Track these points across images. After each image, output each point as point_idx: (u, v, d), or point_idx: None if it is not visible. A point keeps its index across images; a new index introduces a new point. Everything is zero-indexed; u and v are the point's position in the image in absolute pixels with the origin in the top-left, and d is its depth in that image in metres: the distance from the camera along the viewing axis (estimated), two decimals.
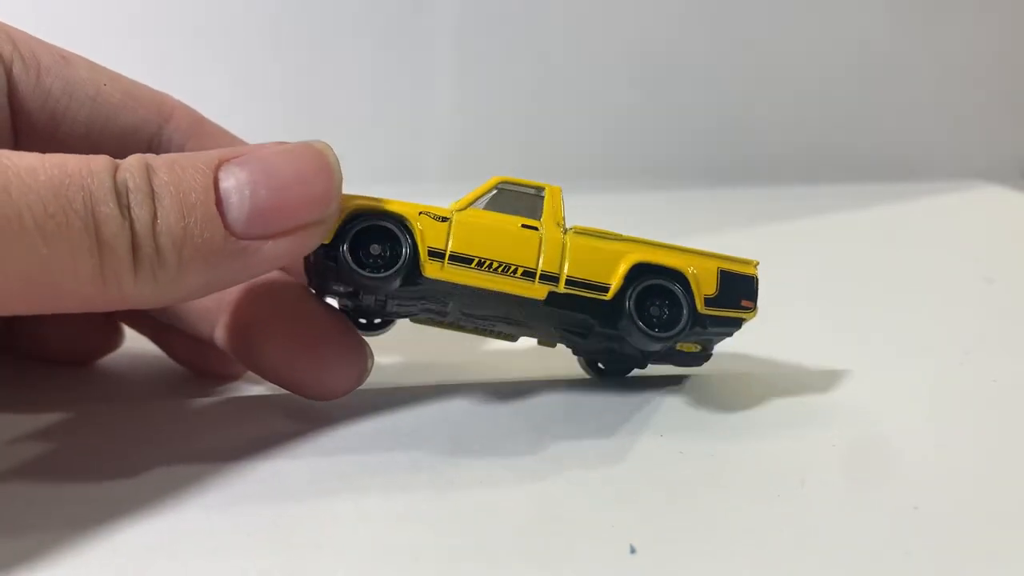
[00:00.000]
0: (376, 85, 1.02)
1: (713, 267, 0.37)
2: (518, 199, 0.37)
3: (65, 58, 0.37)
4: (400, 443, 0.36)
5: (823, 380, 0.42)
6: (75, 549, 0.28)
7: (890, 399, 0.40)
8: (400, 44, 1.02)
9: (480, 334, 0.40)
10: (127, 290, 0.29)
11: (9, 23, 0.37)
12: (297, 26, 1.00)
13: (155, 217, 0.29)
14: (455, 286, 0.35)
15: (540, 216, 0.36)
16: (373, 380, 0.43)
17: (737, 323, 0.37)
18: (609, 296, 0.36)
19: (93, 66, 0.38)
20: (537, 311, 0.36)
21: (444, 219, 0.35)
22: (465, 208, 0.36)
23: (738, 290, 0.37)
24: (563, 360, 0.41)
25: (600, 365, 0.41)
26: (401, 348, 0.46)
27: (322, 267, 0.36)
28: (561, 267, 0.36)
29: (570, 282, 0.36)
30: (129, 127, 0.38)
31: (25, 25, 0.38)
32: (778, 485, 0.32)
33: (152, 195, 0.30)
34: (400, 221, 0.35)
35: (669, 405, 0.38)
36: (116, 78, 0.39)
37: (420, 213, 0.35)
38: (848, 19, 1.05)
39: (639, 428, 0.36)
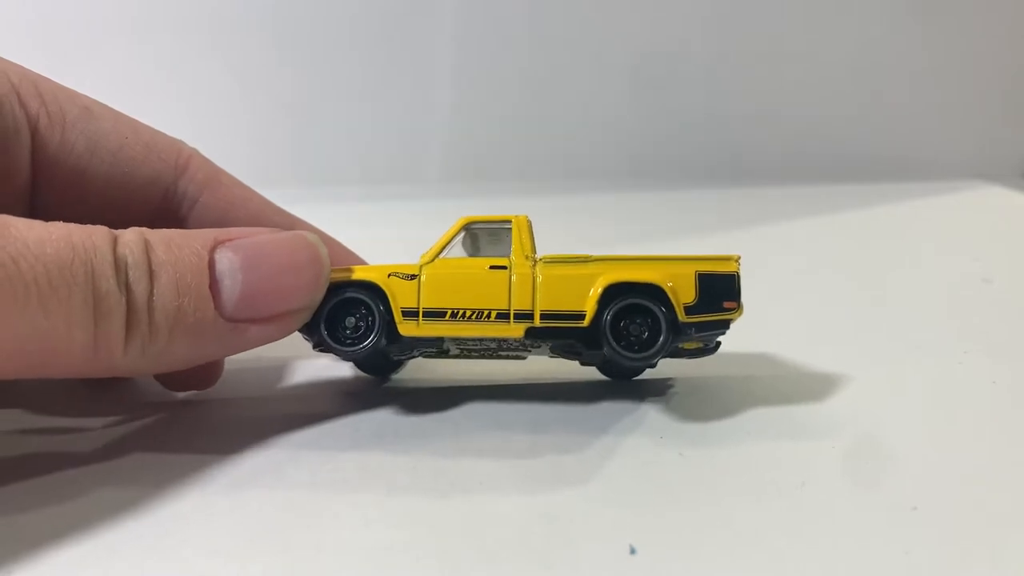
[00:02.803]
0: (376, 85, 1.02)
1: (690, 271, 0.36)
2: (487, 237, 0.38)
3: (88, 109, 0.37)
4: (401, 444, 0.36)
5: (823, 380, 0.42)
6: (75, 550, 0.28)
7: (890, 399, 0.40)
8: (400, 44, 1.02)
9: (489, 358, 0.41)
10: (116, 360, 0.30)
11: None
12: (298, 27, 1.00)
13: (151, 294, 0.30)
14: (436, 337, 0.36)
15: (509, 251, 0.36)
16: (374, 382, 0.43)
17: (724, 325, 0.36)
18: (586, 323, 0.36)
19: (116, 116, 0.38)
20: (524, 342, 0.37)
21: (413, 277, 0.36)
22: (434, 259, 0.37)
23: (719, 292, 0.36)
24: (563, 362, 0.41)
25: (606, 373, 0.41)
26: None
27: (307, 334, 0.37)
28: (534, 303, 0.36)
29: (545, 316, 0.36)
30: (147, 180, 0.39)
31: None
32: (778, 486, 0.32)
33: (150, 272, 0.31)
34: (371, 288, 0.36)
35: (669, 407, 0.38)
36: (137, 129, 0.39)
37: (389, 275, 0.36)
38: (848, 19, 1.05)
39: (639, 430, 0.36)
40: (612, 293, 0.35)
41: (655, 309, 0.35)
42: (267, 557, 0.28)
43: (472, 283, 0.36)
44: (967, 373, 0.43)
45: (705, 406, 0.38)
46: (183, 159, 0.40)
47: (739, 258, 0.36)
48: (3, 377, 0.28)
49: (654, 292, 0.35)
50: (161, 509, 0.31)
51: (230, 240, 0.33)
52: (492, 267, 0.36)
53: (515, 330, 0.36)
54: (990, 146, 1.09)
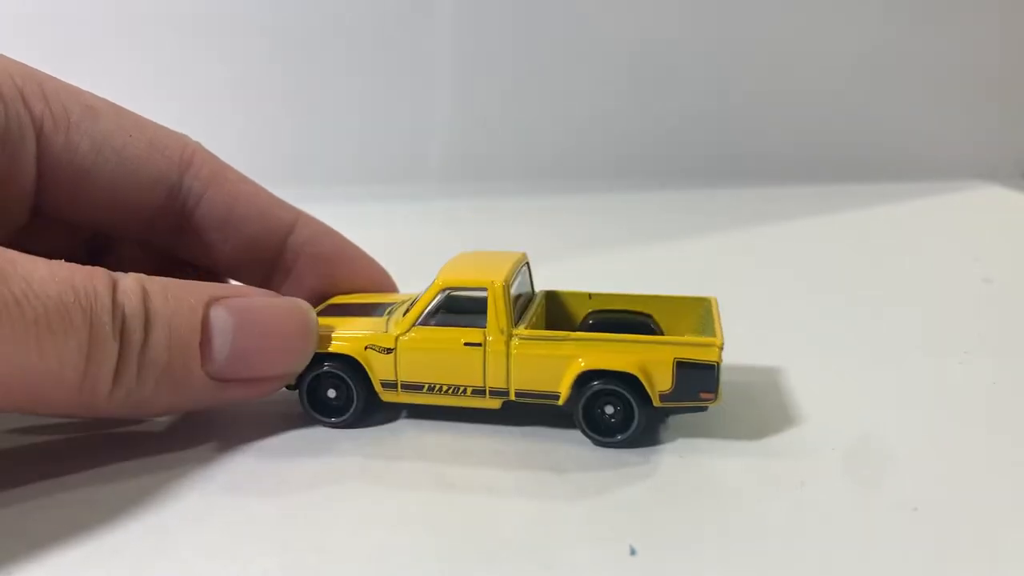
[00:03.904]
0: (376, 85, 1.02)
1: (669, 358, 0.34)
2: (463, 304, 0.37)
3: (92, 108, 0.37)
4: (401, 445, 0.36)
5: (822, 380, 0.42)
6: (76, 551, 0.28)
7: (890, 399, 0.40)
8: (400, 44, 1.01)
9: None
10: (99, 403, 0.30)
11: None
12: (298, 26, 1.00)
13: (144, 344, 0.31)
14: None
15: (485, 323, 0.36)
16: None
17: (701, 408, 0.35)
18: (561, 403, 0.35)
19: (119, 113, 0.38)
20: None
21: (389, 351, 0.36)
22: (409, 329, 0.36)
23: (697, 382, 0.34)
24: None
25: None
26: None
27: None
28: (508, 381, 0.36)
29: (520, 393, 0.36)
30: (151, 178, 0.38)
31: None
32: (778, 486, 0.32)
33: (145, 323, 0.31)
34: (348, 361, 0.37)
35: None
36: (141, 126, 0.39)
37: (366, 348, 0.36)
38: (848, 19, 1.05)
39: (647, 433, 0.36)
40: (584, 379, 0.35)
41: (628, 397, 0.34)
42: (267, 557, 0.28)
43: (446, 361, 0.35)
44: (967, 373, 0.43)
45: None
46: (187, 155, 0.40)
47: (721, 344, 0.35)
48: None
49: (628, 379, 0.34)
50: (161, 509, 0.31)
51: (226, 298, 0.34)
52: (467, 343, 0.36)
53: (492, 403, 0.36)
54: (990, 146, 1.09)
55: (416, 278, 0.42)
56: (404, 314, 0.37)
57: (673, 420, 0.37)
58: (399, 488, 0.32)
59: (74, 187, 0.37)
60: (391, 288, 0.45)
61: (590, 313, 0.41)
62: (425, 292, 0.37)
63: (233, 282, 0.43)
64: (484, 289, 0.36)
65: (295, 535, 0.29)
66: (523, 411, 0.37)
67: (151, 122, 0.40)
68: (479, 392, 0.36)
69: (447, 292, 0.37)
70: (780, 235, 0.79)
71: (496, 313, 0.35)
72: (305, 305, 0.36)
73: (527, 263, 0.41)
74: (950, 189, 0.98)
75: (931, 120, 1.08)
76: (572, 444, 0.35)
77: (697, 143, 1.07)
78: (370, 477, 0.33)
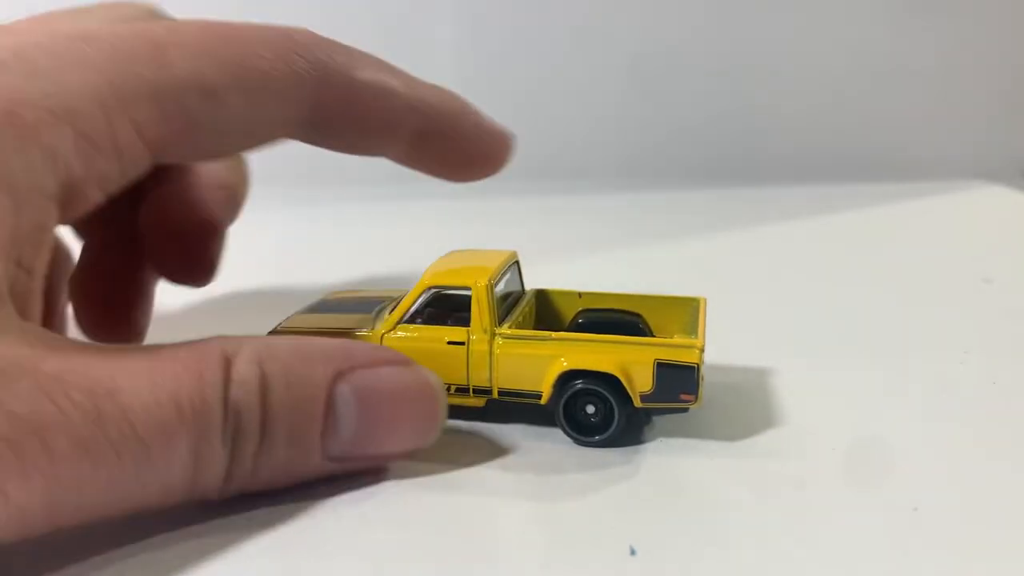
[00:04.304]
0: None
1: (649, 359, 0.34)
2: (449, 303, 0.37)
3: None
4: None
5: (822, 380, 0.42)
6: (75, 550, 0.28)
7: (890, 399, 0.40)
8: (400, 44, 1.01)
9: None
10: (208, 497, 0.29)
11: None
12: (298, 25, 1.00)
13: (259, 447, 0.28)
14: None
15: (469, 322, 0.36)
16: None
17: (683, 409, 0.35)
18: (543, 402, 0.35)
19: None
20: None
21: None
22: (395, 327, 0.37)
23: (677, 383, 0.34)
24: None
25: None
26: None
27: None
28: (491, 380, 0.36)
29: (503, 392, 0.36)
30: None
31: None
32: (778, 486, 0.32)
33: (262, 424, 0.28)
34: None
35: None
36: None
37: None
38: (848, 19, 1.05)
39: (639, 431, 0.36)
40: (565, 379, 0.35)
41: (609, 397, 0.34)
42: (267, 557, 0.28)
43: (430, 358, 0.35)
44: (967, 373, 0.43)
45: (704, 407, 0.38)
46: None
47: (702, 346, 0.35)
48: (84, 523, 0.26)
49: (609, 380, 0.34)
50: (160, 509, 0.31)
51: (352, 371, 0.30)
52: (450, 342, 0.36)
53: (476, 401, 0.36)
54: (990, 146, 1.09)
55: (416, 277, 0.42)
56: (391, 312, 0.38)
57: (673, 420, 0.37)
58: (400, 489, 0.32)
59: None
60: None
61: (580, 312, 0.42)
62: (411, 291, 0.37)
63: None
64: (468, 289, 0.36)
65: (295, 535, 0.29)
66: (522, 411, 0.37)
67: None
68: (463, 390, 0.36)
69: (432, 291, 0.37)
70: (779, 235, 0.79)
71: (479, 313, 0.36)
72: (435, 379, 0.33)
73: (516, 261, 0.41)
74: (950, 189, 0.98)
75: (931, 120, 1.09)
76: (572, 444, 0.35)
77: (696, 143, 1.07)
78: (369, 477, 0.33)
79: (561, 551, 0.28)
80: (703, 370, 0.35)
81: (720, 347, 0.41)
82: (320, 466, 0.31)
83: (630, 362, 0.34)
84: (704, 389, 0.35)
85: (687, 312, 0.40)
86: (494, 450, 0.35)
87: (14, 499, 0.24)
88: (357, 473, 0.32)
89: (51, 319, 0.41)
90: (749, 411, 0.38)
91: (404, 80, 0.36)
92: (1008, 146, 1.10)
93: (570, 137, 1.06)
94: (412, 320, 0.37)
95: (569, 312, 0.42)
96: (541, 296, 0.42)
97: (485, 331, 0.36)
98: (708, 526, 0.30)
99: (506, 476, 0.33)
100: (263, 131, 0.34)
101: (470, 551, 0.28)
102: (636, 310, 0.41)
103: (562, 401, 0.35)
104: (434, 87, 0.37)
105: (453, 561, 0.28)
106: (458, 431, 0.37)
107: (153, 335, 0.44)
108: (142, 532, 0.29)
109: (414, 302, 0.37)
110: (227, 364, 0.28)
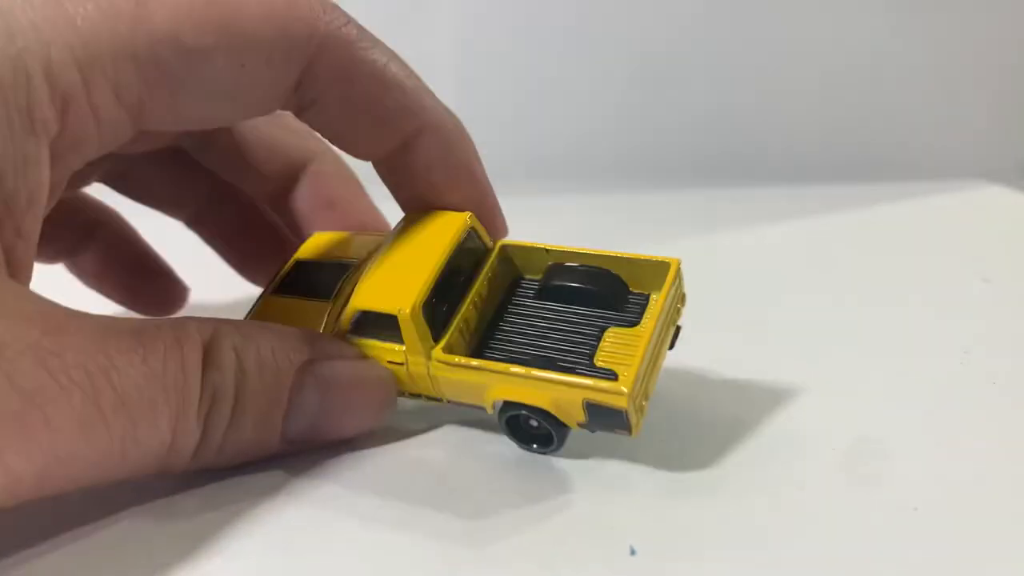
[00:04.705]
0: None
1: (578, 399, 0.32)
2: (380, 323, 0.35)
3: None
4: (401, 445, 0.36)
5: (822, 380, 0.42)
6: (73, 549, 0.28)
7: (890, 399, 0.40)
8: (400, 44, 1.01)
9: None
10: (172, 471, 0.30)
11: None
12: None
13: (228, 428, 0.30)
14: None
15: (403, 341, 0.34)
16: None
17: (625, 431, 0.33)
18: (489, 412, 0.35)
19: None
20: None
21: None
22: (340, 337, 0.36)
23: (608, 420, 0.32)
24: None
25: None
26: None
27: None
28: (438, 392, 0.35)
29: (452, 402, 0.36)
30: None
31: None
32: (778, 486, 0.32)
33: (234, 407, 0.30)
34: None
35: (667, 409, 0.38)
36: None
37: None
38: (848, 19, 1.05)
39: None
40: (502, 405, 0.34)
41: (546, 425, 0.34)
42: (266, 557, 0.28)
43: None
44: (967, 373, 0.43)
45: (704, 408, 0.38)
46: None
47: (630, 391, 0.31)
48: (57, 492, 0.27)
49: (542, 412, 0.33)
50: (160, 509, 0.31)
51: (317, 362, 0.33)
52: (390, 362, 0.35)
53: (432, 403, 0.36)
54: (990, 146, 1.09)
55: None
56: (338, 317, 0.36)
57: (671, 420, 0.37)
58: (399, 490, 0.32)
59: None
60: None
61: (551, 267, 0.38)
62: (346, 309, 0.35)
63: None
64: (394, 317, 0.34)
65: (294, 535, 0.29)
66: None
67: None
68: (416, 396, 0.36)
69: (362, 313, 0.35)
70: (777, 235, 0.79)
71: (410, 339, 0.34)
72: (388, 375, 0.35)
73: (472, 227, 0.38)
74: (950, 189, 0.97)
75: (931, 120, 1.08)
76: (572, 444, 0.35)
77: (695, 143, 1.07)
78: (369, 477, 0.33)
79: (561, 551, 0.28)
80: (641, 402, 0.32)
81: (718, 346, 0.41)
82: (278, 447, 0.33)
83: (561, 400, 0.32)
84: (646, 418, 0.33)
85: (660, 275, 0.38)
86: (494, 450, 0.35)
87: (12, 469, 0.25)
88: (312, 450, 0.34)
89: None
90: (748, 411, 0.38)
91: (415, 83, 0.36)
92: (1008, 146, 1.09)
93: (571, 137, 1.06)
94: (355, 333, 0.35)
95: (538, 268, 0.39)
96: (505, 251, 0.39)
97: (419, 353, 0.34)
98: (708, 526, 0.30)
99: (506, 476, 0.33)
100: (252, 97, 0.33)
101: (469, 552, 0.28)
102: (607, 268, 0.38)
103: (504, 419, 0.34)
104: (446, 108, 0.38)
105: (453, 561, 0.28)
106: (457, 430, 0.37)
107: None
108: (128, 528, 0.29)
109: (349, 321, 0.35)
110: (206, 347, 0.29)
